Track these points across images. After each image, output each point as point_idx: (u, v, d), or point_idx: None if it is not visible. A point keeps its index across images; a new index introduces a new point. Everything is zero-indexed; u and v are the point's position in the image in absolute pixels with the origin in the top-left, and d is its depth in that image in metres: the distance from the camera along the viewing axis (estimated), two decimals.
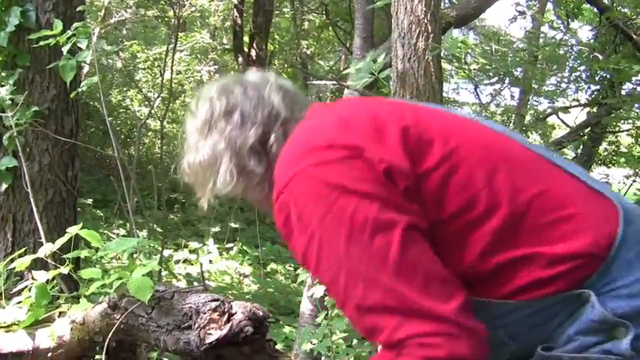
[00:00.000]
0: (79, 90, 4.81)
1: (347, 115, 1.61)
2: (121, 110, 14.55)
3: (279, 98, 1.73)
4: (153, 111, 8.48)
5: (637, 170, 11.54)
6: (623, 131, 12.24)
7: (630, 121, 11.09)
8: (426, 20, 3.65)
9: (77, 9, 5.05)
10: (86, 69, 7.29)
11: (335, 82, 5.94)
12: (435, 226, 1.47)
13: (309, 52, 14.96)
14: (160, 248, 6.24)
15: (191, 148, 1.77)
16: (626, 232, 1.46)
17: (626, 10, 11.40)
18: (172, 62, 6.62)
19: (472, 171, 1.49)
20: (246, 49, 13.25)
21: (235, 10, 13.16)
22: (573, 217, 1.47)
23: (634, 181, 11.39)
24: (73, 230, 3.39)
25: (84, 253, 3.52)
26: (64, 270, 3.40)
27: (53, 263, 3.66)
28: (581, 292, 1.42)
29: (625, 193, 10.94)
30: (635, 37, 10.66)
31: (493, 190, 1.48)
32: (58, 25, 4.46)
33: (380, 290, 1.37)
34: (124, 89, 14.70)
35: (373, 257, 1.39)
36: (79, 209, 5.91)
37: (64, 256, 3.47)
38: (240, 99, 1.73)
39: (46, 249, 3.48)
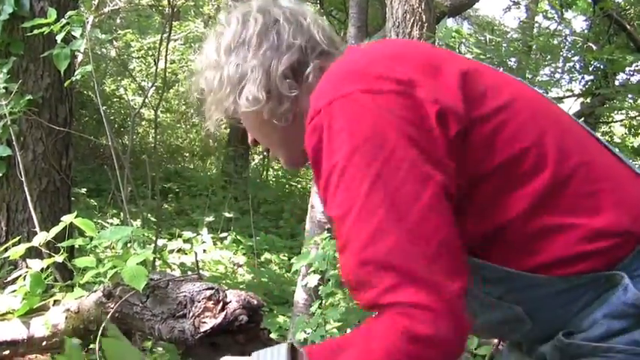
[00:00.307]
0: (73, 79, 4.80)
1: (399, 49, 1.54)
2: (115, 99, 14.51)
3: (317, 30, 1.63)
4: (147, 100, 8.45)
5: (631, 161, 11.56)
6: (616, 121, 12.25)
7: (624, 111, 11.10)
8: (420, 9, 3.65)
9: None
10: (80, 58, 7.27)
11: None
12: (472, 184, 1.39)
13: None
14: (154, 238, 6.23)
15: (210, 66, 1.65)
16: None
17: (619, 0, 11.41)
18: (166, 51, 6.60)
19: (523, 126, 1.42)
20: None
21: None
22: (615, 191, 1.41)
23: None
24: (67, 219, 3.40)
25: (78, 242, 3.52)
26: (59, 259, 3.41)
27: (47, 252, 3.67)
28: (614, 273, 1.35)
29: None
30: (628, 27, 10.68)
31: (542, 149, 1.40)
32: (52, 13, 4.46)
33: (389, 244, 1.25)
34: (118, 78, 14.66)
35: (395, 207, 1.27)
36: (72, 198, 5.91)
37: (59, 244, 3.48)
38: (279, 20, 1.61)
39: (41, 238, 3.48)
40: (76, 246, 3.80)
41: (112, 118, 13.75)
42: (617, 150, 1.55)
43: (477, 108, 1.40)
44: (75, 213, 3.53)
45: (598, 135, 1.56)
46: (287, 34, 1.59)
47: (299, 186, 14.51)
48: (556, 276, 1.37)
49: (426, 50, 1.54)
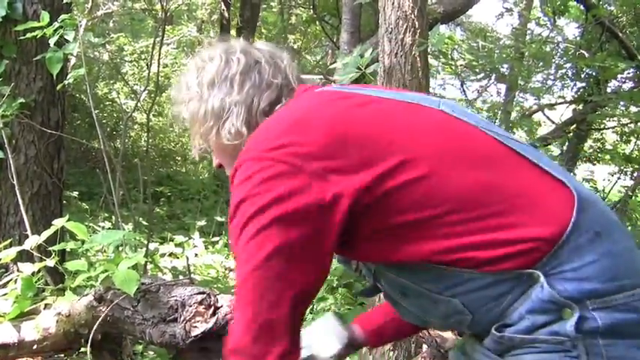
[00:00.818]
0: (66, 82, 4.80)
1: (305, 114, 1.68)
2: (107, 103, 14.49)
3: (291, 72, 1.83)
4: (139, 104, 8.44)
5: (622, 167, 11.59)
6: (608, 128, 12.28)
7: (615, 118, 11.13)
8: (413, 16, 3.66)
9: (64, 1, 5.04)
10: (73, 61, 7.26)
11: (322, 77, 5.94)
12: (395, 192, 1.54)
13: (296, 47, 14.95)
14: (145, 241, 6.22)
15: (193, 98, 1.81)
16: (579, 218, 1.53)
17: (612, 7, 11.45)
18: (159, 55, 6.59)
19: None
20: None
21: (222, 3, 13.14)
22: (529, 205, 1.56)
23: (619, 178, 11.44)
24: (59, 223, 3.39)
25: (70, 246, 3.52)
26: (50, 262, 3.40)
27: (39, 255, 3.66)
28: (532, 272, 1.50)
29: (609, 191, 10.99)
30: (620, 34, 10.71)
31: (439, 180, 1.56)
32: (45, 16, 4.46)
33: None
34: (111, 82, 14.64)
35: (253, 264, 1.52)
36: (64, 202, 5.90)
37: (50, 248, 3.47)
38: (260, 62, 1.80)
39: (32, 241, 3.48)
40: (68, 249, 3.78)
41: (104, 121, 13.74)
42: (534, 152, 1.69)
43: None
44: (67, 217, 3.52)
45: (516, 141, 1.70)
46: (267, 74, 1.78)
47: None
48: (485, 271, 1.52)
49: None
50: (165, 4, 7.23)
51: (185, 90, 1.83)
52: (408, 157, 1.54)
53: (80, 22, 4.58)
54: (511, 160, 1.64)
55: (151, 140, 13.74)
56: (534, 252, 1.51)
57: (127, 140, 12.75)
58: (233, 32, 13.35)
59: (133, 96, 13.92)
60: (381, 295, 1.84)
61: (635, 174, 11.34)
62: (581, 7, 11.53)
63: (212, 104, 1.76)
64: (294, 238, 1.49)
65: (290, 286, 1.51)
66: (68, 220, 3.40)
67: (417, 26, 3.66)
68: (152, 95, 10.13)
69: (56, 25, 4.36)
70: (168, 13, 10.77)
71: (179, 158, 16.14)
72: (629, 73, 11.53)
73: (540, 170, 1.63)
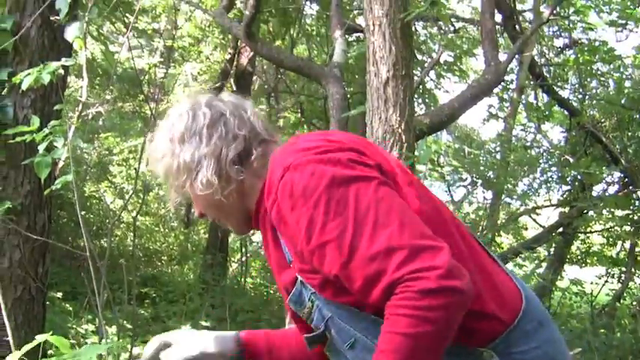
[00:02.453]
0: (53, 187, 4.79)
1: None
2: (95, 201, 14.48)
3: (257, 122, 1.95)
4: (126, 203, 8.46)
5: (609, 270, 11.58)
6: (594, 232, 12.33)
7: (602, 221, 11.18)
8: (400, 130, 3.70)
9: (55, 107, 5.08)
10: (61, 163, 7.29)
11: None
12: None
13: None
14: (129, 346, 6.12)
15: (165, 154, 1.91)
16: (526, 308, 1.74)
17: (595, 112, 11.65)
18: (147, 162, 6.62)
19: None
20: None
21: None
22: (494, 286, 1.74)
23: (606, 281, 11.42)
24: (41, 338, 3.33)
25: None
26: None
27: None
28: (486, 350, 1.68)
29: (598, 293, 10.95)
30: (604, 139, 10.88)
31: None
32: (36, 121, 4.46)
33: (385, 236, 1.57)
34: (98, 181, 14.66)
35: (380, 206, 1.62)
36: (47, 302, 5.82)
37: None
38: (224, 114, 1.91)
39: (13, 358, 3.41)
40: None
41: (91, 219, 13.69)
42: (489, 250, 1.92)
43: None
44: (50, 332, 3.46)
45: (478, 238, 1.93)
46: (233, 126, 1.90)
47: (277, 294, 14.39)
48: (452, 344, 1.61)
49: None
50: (154, 107, 7.31)
51: (158, 147, 1.94)
52: None
53: (70, 125, 4.59)
54: (474, 243, 1.85)
55: (137, 240, 13.68)
56: (491, 332, 1.68)
57: (113, 239, 12.68)
58: None
59: (120, 195, 13.93)
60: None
61: (622, 277, 11.33)
62: (565, 112, 11.73)
63: (183, 158, 1.87)
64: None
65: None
66: (51, 322, 3.35)
67: (403, 140, 3.70)
68: (139, 194, 10.16)
69: (46, 131, 4.37)
70: (157, 115, 10.88)
71: (165, 258, 16.04)
72: (613, 178, 11.67)
73: (494, 261, 1.87)
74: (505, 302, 1.72)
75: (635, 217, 10.65)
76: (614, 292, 11.14)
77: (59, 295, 10.47)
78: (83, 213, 12.04)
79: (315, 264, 1.69)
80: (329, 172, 1.65)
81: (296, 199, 1.66)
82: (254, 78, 13.38)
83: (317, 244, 1.64)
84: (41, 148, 4.40)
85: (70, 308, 10.39)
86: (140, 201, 8.62)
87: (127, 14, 9.85)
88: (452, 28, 11.68)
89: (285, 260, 1.88)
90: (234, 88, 12.27)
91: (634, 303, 10.80)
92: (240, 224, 2.03)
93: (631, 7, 10.55)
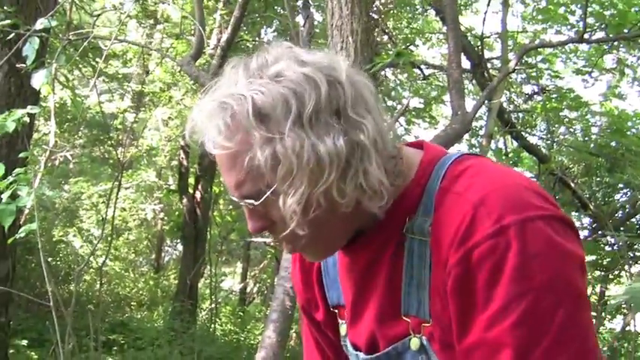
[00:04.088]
0: (17, 236, 4.74)
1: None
2: (63, 245, 14.34)
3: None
4: (95, 249, 8.39)
5: None
6: None
7: None
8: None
9: (20, 154, 5.04)
10: (26, 211, 7.23)
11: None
12: None
13: None
14: None
15: (288, 133, 1.28)
16: None
17: (563, 158, 11.77)
18: (116, 201, 6.60)
19: None
20: (191, 191, 13.25)
21: (182, 151, 13.26)
22: None
23: None
24: None
25: None
26: None
27: None
28: None
29: None
30: (572, 185, 10.97)
31: None
32: (0, 168, 4.43)
33: None
34: (66, 225, 14.53)
35: (585, 345, 1.26)
36: (12, 351, 5.72)
37: None
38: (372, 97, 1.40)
39: None
40: None
41: (58, 263, 13.53)
42: None
43: None
44: None
45: None
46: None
47: (247, 341, 14.28)
48: None
49: None
50: (122, 152, 7.29)
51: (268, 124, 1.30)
52: None
53: (36, 172, 4.55)
54: None
55: (105, 285, 13.54)
56: None
57: (80, 285, 12.55)
58: (191, 180, 13.43)
59: (88, 239, 13.82)
60: None
61: (593, 322, 11.36)
62: (534, 158, 11.85)
63: (334, 143, 1.29)
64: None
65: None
66: None
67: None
68: (108, 239, 10.06)
69: (10, 179, 4.33)
70: (126, 160, 10.86)
71: (134, 304, 15.88)
72: (582, 223, 11.75)
73: None
74: None
75: (605, 263, 10.71)
76: None
77: (24, 342, 10.30)
78: (50, 259, 11.94)
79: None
80: None
81: (516, 266, 1.26)
82: None
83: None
84: (5, 196, 4.36)
85: (36, 356, 10.23)
86: (108, 246, 8.53)
87: (97, 59, 9.84)
88: (421, 75, 11.80)
89: (397, 308, 1.44)
90: None
91: (604, 349, 10.82)
92: (335, 245, 1.48)
93: (595, 56, 10.76)
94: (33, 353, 10.36)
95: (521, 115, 12.43)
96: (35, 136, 10.58)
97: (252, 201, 1.34)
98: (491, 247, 1.25)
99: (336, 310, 1.66)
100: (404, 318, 1.43)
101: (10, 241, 4.75)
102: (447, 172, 1.40)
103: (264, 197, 1.32)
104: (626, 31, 7.98)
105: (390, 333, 1.46)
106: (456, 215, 1.31)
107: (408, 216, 1.41)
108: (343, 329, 1.64)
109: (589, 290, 11.87)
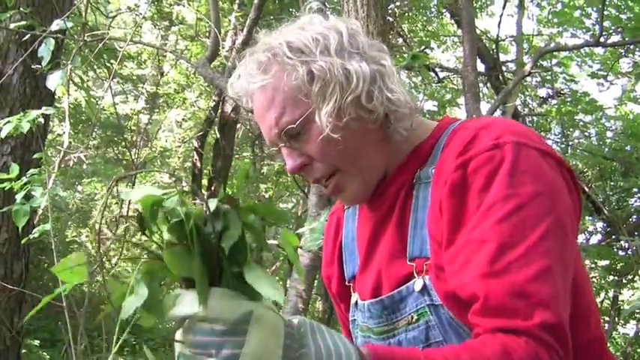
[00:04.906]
0: (31, 237, 4.74)
1: None
2: (76, 246, 14.38)
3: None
4: (108, 249, 8.40)
5: None
6: None
7: None
8: None
9: (34, 155, 5.05)
10: (40, 211, 7.26)
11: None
12: None
13: (267, 196, 15.03)
14: None
15: (319, 57, 1.47)
16: None
17: (577, 162, 11.72)
18: (129, 206, 6.59)
19: None
20: (204, 192, 13.22)
21: (195, 153, 13.26)
22: None
23: None
24: None
25: None
26: None
27: None
28: None
29: None
30: (587, 189, 10.91)
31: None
32: (15, 169, 4.44)
33: (552, 288, 1.30)
34: (79, 226, 14.57)
35: (562, 260, 1.34)
36: (25, 351, 5.74)
37: None
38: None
39: None
40: None
41: None
42: None
43: None
44: None
45: None
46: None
47: None
48: None
49: None
50: (136, 154, 7.30)
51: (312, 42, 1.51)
52: None
53: (51, 172, 4.56)
54: None
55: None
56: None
57: (94, 285, 12.57)
58: (205, 181, 13.43)
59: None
60: None
61: (606, 326, 11.31)
62: None
63: (367, 65, 1.51)
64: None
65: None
66: None
67: None
68: (122, 240, 10.09)
69: (24, 179, 4.34)
70: (140, 161, 10.87)
71: None
72: (596, 228, 11.69)
73: None
74: None
75: (618, 267, 10.65)
76: None
77: (36, 342, 10.33)
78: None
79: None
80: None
81: (506, 176, 1.38)
82: (238, 126, 13.39)
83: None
84: (19, 196, 4.37)
85: (48, 356, 10.26)
86: (121, 247, 8.54)
87: (112, 60, 9.86)
88: (436, 78, 11.75)
89: (403, 251, 1.53)
90: (218, 136, 12.25)
91: (617, 354, 10.76)
92: (370, 180, 1.58)
93: (610, 60, 10.70)
94: (45, 353, 10.39)
95: (535, 118, 12.38)
96: (49, 137, 10.61)
97: (292, 126, 1.50)
98: (488, 158, 1.39)
99: (351, 284, 1.74)
100: (409, 263, 1.51)
101: (24, 241, 4.75)
102: (459, 124, 1.57)
103: (304, 116, 1.49)
104: None
105: (396, 274, 1.54)
106: (461, 140, 1.47)
107: (420, 167, 1.56)
108: (354, 298, 1.71)
109: (601, 295, 11.84)
